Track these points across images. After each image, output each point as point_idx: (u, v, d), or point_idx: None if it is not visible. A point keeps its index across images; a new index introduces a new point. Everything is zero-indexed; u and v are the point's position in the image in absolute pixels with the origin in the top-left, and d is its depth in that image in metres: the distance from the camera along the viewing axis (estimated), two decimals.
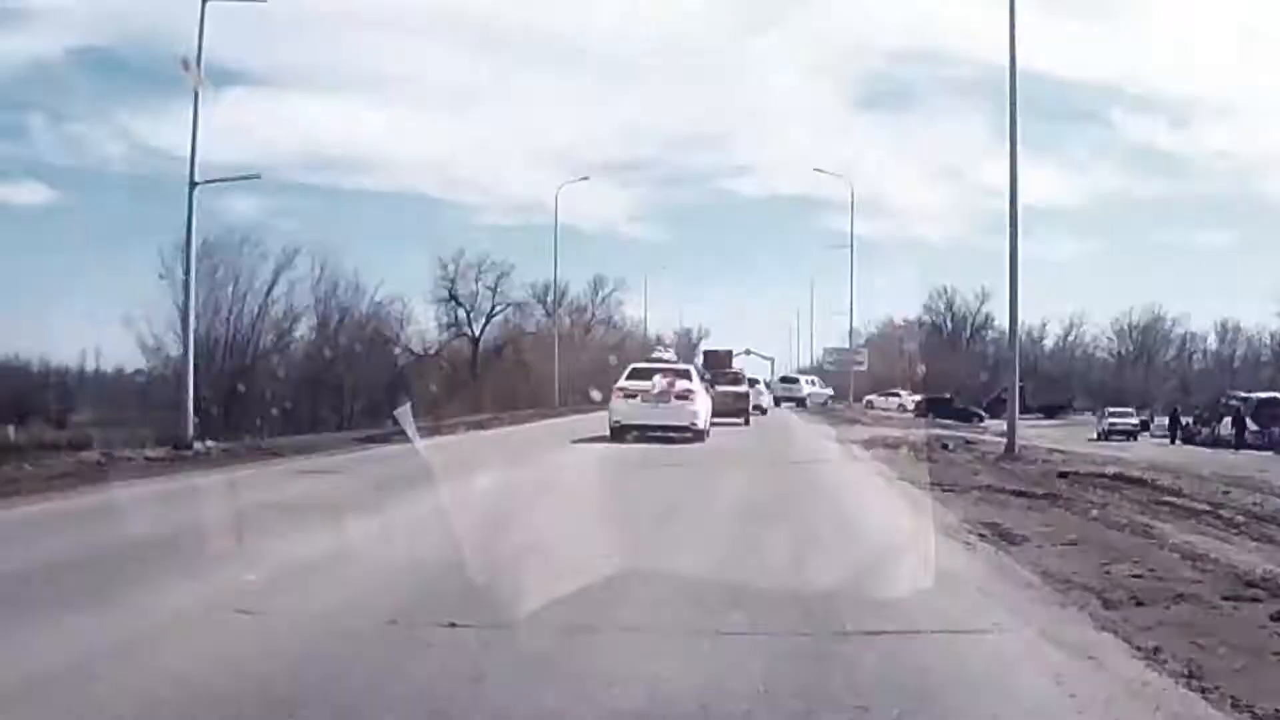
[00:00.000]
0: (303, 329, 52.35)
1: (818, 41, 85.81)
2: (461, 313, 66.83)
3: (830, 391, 62.61)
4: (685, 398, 25.23)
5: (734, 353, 53.03)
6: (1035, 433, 43.07)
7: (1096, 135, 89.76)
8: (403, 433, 18.53)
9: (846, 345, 61.04)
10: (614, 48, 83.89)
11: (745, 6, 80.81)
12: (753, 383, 44.71)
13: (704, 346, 74.15)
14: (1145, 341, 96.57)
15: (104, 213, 68.35)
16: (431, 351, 63.03)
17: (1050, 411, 70.56)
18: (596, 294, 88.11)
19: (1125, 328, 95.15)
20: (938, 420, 49.45)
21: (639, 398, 24.99)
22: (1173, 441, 47.09)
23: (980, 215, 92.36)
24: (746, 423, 33.79)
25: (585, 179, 59.02)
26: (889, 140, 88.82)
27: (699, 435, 24.81)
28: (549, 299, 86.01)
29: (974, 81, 73.56)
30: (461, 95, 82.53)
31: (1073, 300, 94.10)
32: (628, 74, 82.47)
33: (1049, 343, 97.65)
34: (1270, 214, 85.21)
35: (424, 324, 65.17)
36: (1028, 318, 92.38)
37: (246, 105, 65.41)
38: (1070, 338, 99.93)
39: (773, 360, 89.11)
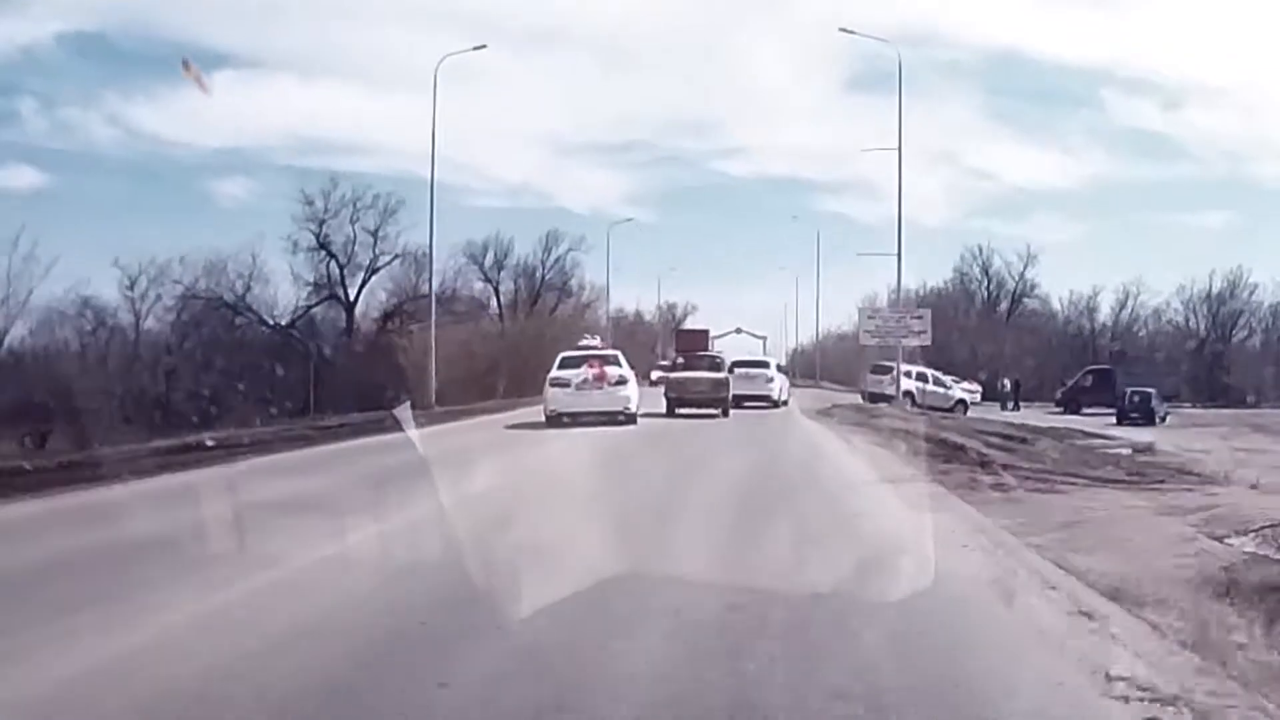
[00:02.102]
0: None
1: (809, 23, 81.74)
2: (334, 267, 47.88)
3: (972, 391, 45.59)
4: (616, 384, 26.53)
5: (711, 333, 46.18)
6: (1210, 448, 24.78)
7: (1088, 118, 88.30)
8: None
9: (876, 307, 43.55)
10: (605, 30, 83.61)
11: None
12: (756, 365, 38.43)
13: (689, 324, 70.05)
14: (1223, 314, 78.25)
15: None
16: (283, 322, 44.21)
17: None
18: (548, 254, 69.86)
19: (1194, 296, 77.56)
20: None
21: (571, 386, 26.28)
22: None
23: (973, 198, 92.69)
24: (725, 414, 30.58)
25: (481, 47, 39.94)
26: (881, 123, 78.30)
27: (630, 419, 26.08)
28: (486, 260, 68.41)
29: (965, 65, 73.25)
30: (453, 79, 73.09)
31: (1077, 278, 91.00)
32: (620, 57, 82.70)
33: (1102, 316, 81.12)
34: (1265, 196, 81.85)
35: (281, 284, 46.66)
36: (1078, 286, 79.44)
37: (236, 89, 63.24)
38: (1127, 310, 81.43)
39: (765, 340, 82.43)
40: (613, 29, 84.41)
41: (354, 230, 47.67)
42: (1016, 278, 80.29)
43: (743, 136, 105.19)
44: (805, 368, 78.72)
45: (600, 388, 26.15)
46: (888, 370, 40.19)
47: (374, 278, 48.56)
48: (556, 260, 70.10)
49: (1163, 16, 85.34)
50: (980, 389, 57.76)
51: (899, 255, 36.59)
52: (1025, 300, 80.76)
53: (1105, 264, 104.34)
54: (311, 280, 47.35)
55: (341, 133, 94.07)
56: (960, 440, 19.05)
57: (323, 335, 45.38)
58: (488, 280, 68.24)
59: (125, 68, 78.23)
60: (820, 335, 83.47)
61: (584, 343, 33.46)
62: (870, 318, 39.51)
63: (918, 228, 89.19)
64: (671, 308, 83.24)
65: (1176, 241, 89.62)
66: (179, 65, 66.22)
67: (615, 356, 28.85)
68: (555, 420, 25.69)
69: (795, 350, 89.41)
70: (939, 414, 33.37)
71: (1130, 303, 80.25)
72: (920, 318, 39.67)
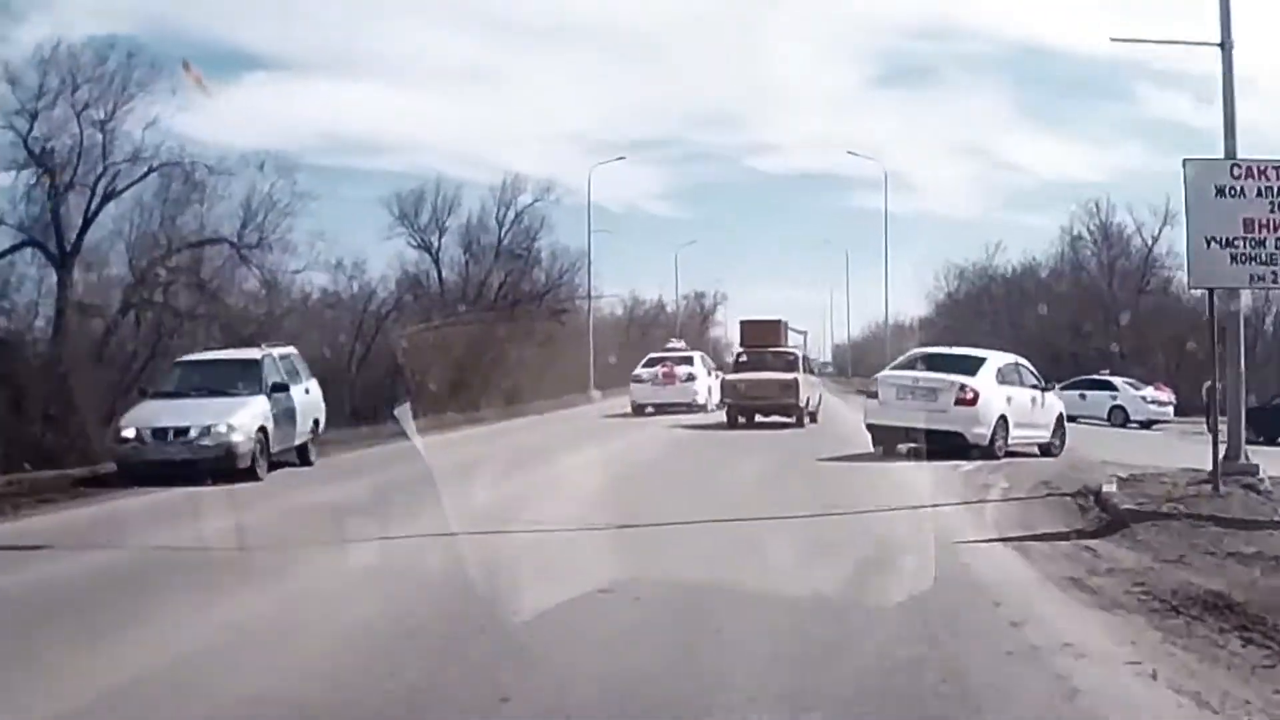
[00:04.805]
0: None
1: (836, 18, 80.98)
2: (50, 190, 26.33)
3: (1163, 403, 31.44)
4: (685, 380, 32.18)
5: (785, 325, 32.29)
6: None
7: (1120, 110, 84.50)
8: None
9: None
10: (631, 26, 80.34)
11: None
12: (945, 364, 19.25)
13: (720, 315, 72.14)
14: None
15: None
16: None
17: None
18: (504, 208, 51.10)
19: None
20: None
21: (649, 382, 32.42)
22: None
23: (1001, 191, 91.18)
24: (800, 424, 25.41)
25: None
26: (909, 117, 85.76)
27: (700, 408, 30.89)
28: (421, 218, 49.10)
29: (992, 58, 79.57)
30: (479, 77, 77.11)
31: None
32: (647, 53, 79.48)
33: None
34: None
35: None
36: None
37: (266, 89, 63.97)
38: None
39: (805, 334, 74.15)
40: (639, 24, 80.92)
41: (79, 124, 26.54)
42: (1150, 240, 58.95)
43: (773, 132, 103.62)
44: (859, 367, 67.88)
45: (672, 383, 32.10)
46: None
47: (109, 208, 26.96)
48: (518, 217, 50.95)
49: (1192, 7, 77.69)
50: (1174, 401, 37.38)
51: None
52: (1163, 271, 59.82)
53: None
54: (14, 220, 26.29)
55: (370, 131, 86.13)
56: None
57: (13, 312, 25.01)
58: (423, 246, 49.88)
59: (154, 70, 68.01)
60: (855, 330, 77.55)
61: (670, 345, 37.42)
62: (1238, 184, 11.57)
63: (947, 221, 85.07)
64: (700, 296, 74.97)
65: None
66: (200, 67, 56.88)
67: (690, 357, 34.71)
68: (639, 409, 31.28)
69: (844, 345, 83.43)
70: None
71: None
72: None
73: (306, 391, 18.17)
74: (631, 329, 63.12)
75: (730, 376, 27.97)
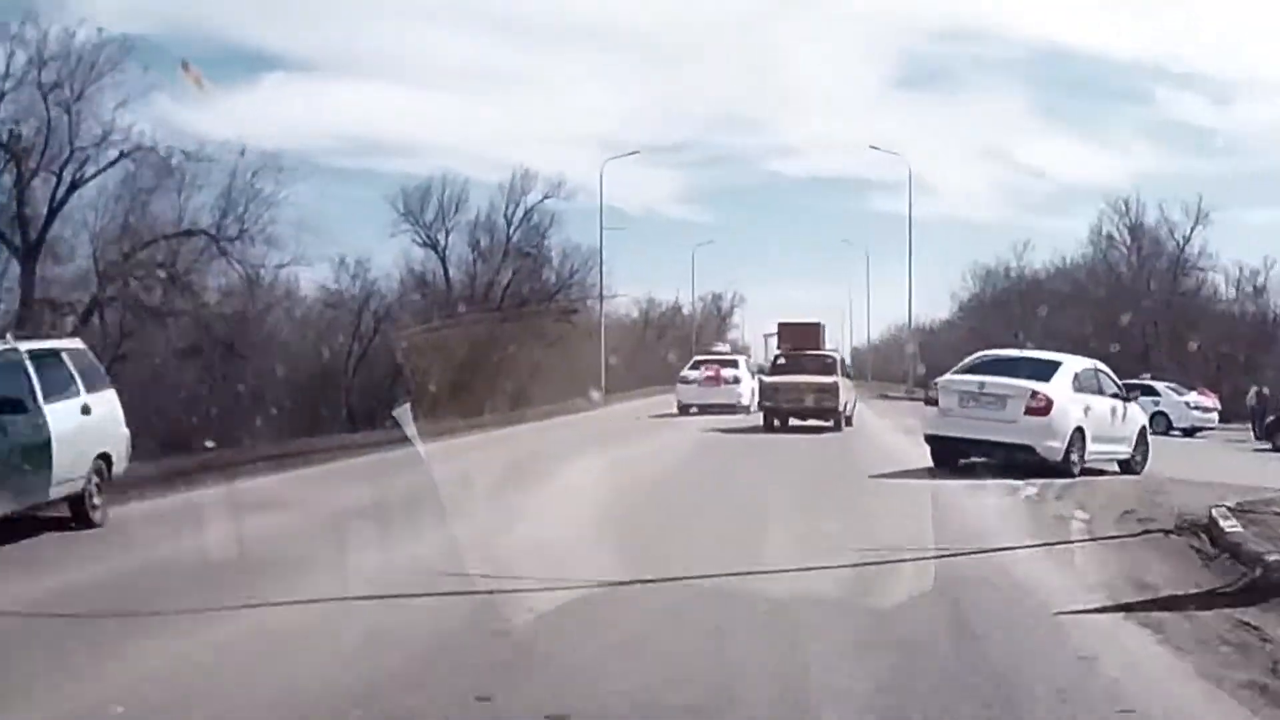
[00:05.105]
0: None
1: (855, 20, 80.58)
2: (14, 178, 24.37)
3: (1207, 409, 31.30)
4: (730, 383, 33.37)
5: (823, 327, 32.58)
6: None
7: (1138, 113, 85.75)
8: None
9: None
10: (649, 29, 77.91)
11: None
12: (1013, 368, 17.16)
13: (737, 318, 73.14)
14: None
15: None
16: None
17: None
18: (513, 205, 50.01)
19: None
20: None
21: (695, 384, 33.72)
22: None
23: (1023, 195, 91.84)
24: (837, 427, 25.42)
25: None
26: (930, 120, 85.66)
27: (744, 409, 31.13)
28: (427, 213, 47.73)
29: (1014, 61, 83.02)
30: (496, 79, 76.81)
31: None
32: (664, 55, 79.40)
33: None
34: None
35: None
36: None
37: (286, 90, 63.63)
38: None
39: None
40: (657, 26, 79.94)
41: (47, 106, 24.74)
42: (1182, 240, 57.24)
43: (792, 134, 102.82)
44: (876, 370, 66.35)
45: (716, 385, 33.18)
46: None
47: (76, 197, 25.23)
48: (527, 215, 49.84)
49: (1212, 9, 79.69)
50: (1219, 406, 35.27)
51: None
52: (1196, 272, 58.14)
53: None
54: None
55: (382, 132, 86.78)
56: None
57: None
58: (429, 244, 48.64)
59: (174, 70, 68.16)
60: (874, 335, 73.19)
61: (716, 348, 42.05)
62: None
63: (966, 223, 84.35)
64: (717, 298, 73.43)
65: (1229, 237, 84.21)
66: (212, 69, 59.76)
67: (734, 361, 36.43)
68: (684, 409, 32.35)
69: (863, 348, 78.31)
70: None
71: None
72: None
73: (85, 410, 11.28)
74: (647, 331, 62.27)
75: (769, 379, 27.75)
